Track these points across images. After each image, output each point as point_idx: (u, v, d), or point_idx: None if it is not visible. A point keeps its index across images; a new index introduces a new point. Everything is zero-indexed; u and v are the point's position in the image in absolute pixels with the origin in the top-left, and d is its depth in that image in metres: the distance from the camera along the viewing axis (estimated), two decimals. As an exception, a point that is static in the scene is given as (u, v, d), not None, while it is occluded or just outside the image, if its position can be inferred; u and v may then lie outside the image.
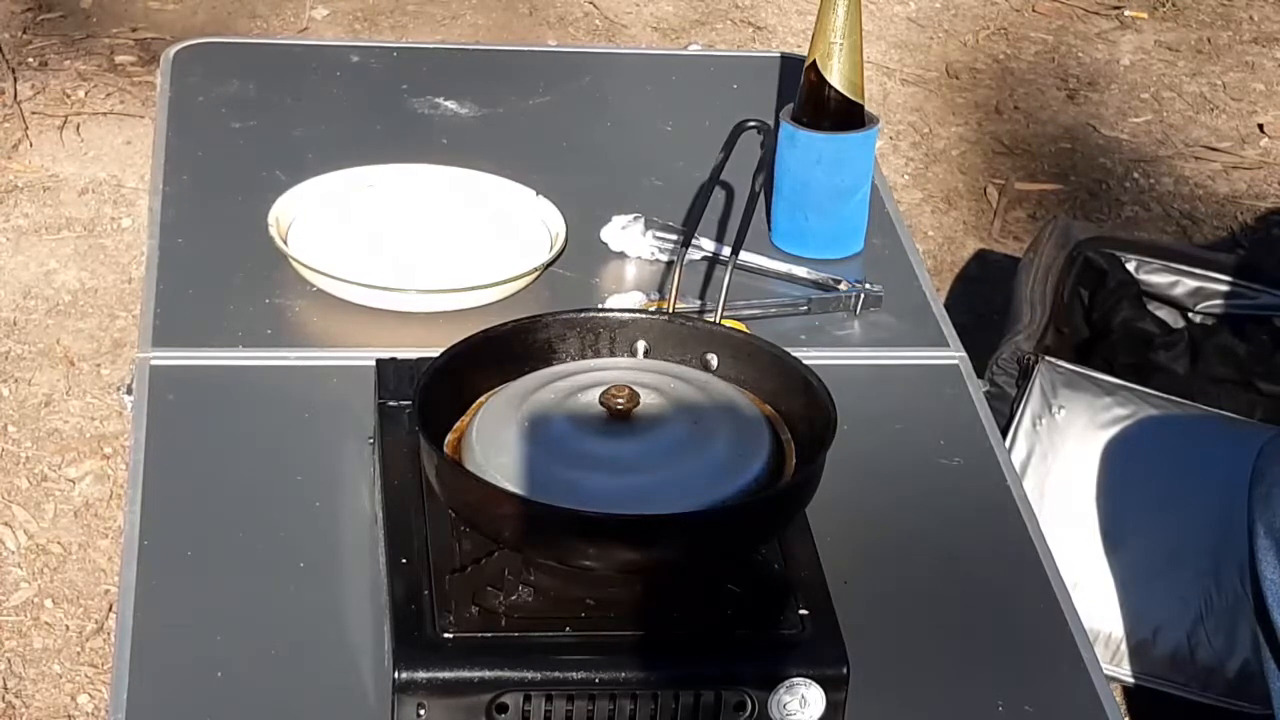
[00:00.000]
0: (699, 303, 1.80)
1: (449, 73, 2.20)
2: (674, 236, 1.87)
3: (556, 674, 1.30)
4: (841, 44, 1.82)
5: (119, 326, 3.10)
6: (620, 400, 1.41)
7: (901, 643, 1.46)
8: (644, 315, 1.57)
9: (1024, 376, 2.53)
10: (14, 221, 3.34)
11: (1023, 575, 1.54)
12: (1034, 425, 2.51)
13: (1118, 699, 1.54)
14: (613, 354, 1.54)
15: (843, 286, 1.84)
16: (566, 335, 1.53)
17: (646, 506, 1.34)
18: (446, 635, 1.31)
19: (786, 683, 1.32)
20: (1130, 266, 2.78)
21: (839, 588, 1.39)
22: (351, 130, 2.08)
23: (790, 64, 2.21)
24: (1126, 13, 4.27)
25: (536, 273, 1.81)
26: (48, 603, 2.59)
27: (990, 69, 4.03)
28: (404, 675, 1.29)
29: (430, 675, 1.30)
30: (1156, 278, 2.79)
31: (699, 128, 2.07)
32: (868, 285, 1.84)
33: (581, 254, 1.86)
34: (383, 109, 2.12)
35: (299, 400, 1.67)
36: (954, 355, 1.80)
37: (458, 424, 1.46)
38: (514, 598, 1.34)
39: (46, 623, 2.57)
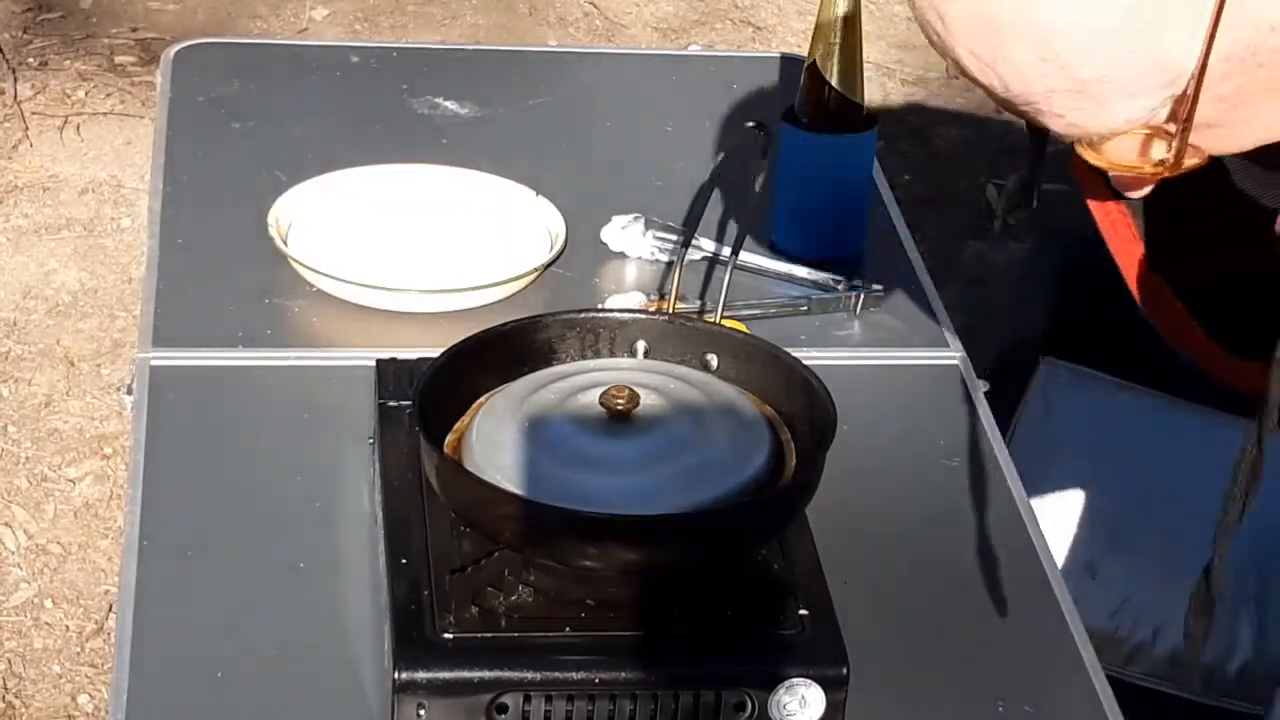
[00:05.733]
0: (699, 303, 1.80)
1: (449, 73, 2.20)
2: (674, 236, 1.86)
3: (556, 674, 1.30)
4: (841, 44, 1.82)
5: (119, 326, 3.10)
6: (620, 401, 1.41)
7: (901, 643, 1.46)
8: (644, 315, 1.57)
9: (1024, 377, 2.53)
10: (14, 221, 3.34)
11: (1023, 575, 1.54)
12: (1034, 425, 2.50)
13: (1118, 699, 1.54)
14: (613, 354, 1.54)
15: (842, 286, 1.84)
16: (566, 335, 1.53)
17: (646, 506, 1.34)
18: (446, 635, 1.31)
19: (786, 683, 1.32)
20: (1130, 266, 2.78)
21: (839, 588, 1.39)
22: (351, 130, 2.08)
23: (790, 64, 2.21)
24: (1126, 13, 4.26)
25: (536, 273, 1.81)
26: (48, 603, 2.59)
27: (990, 69, 4.03)
28: (404, 675, 1.29)
29: (430, 675, 1.29)
30: (1157, 277, 2.79)
31: (699, 128, 2.07)
32: (868, 285, 1.84)
33: (581, 254, 1.86)
34: (383, 109, 2.12)
35: (299, 400, 1.67)
36: (954, 355, 1.80)
37: (458, 424, 1.46)
38: (514, 598, 1.33)
39: (46, 623, 2.57)
